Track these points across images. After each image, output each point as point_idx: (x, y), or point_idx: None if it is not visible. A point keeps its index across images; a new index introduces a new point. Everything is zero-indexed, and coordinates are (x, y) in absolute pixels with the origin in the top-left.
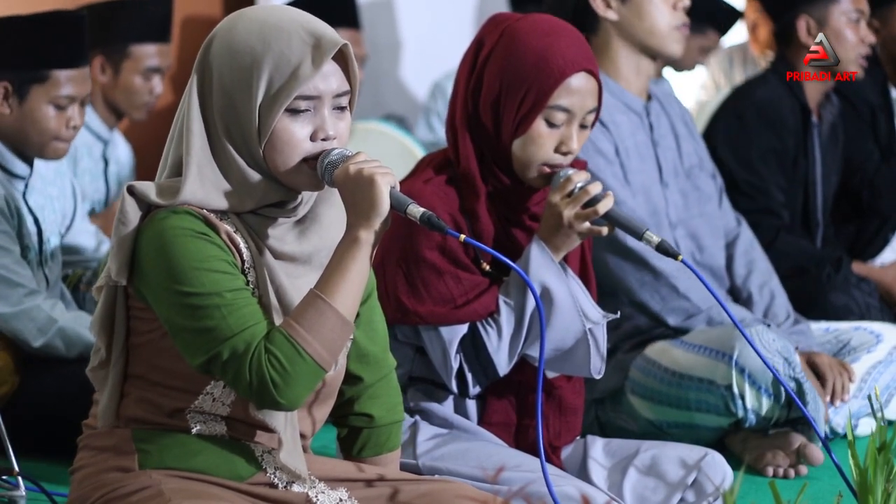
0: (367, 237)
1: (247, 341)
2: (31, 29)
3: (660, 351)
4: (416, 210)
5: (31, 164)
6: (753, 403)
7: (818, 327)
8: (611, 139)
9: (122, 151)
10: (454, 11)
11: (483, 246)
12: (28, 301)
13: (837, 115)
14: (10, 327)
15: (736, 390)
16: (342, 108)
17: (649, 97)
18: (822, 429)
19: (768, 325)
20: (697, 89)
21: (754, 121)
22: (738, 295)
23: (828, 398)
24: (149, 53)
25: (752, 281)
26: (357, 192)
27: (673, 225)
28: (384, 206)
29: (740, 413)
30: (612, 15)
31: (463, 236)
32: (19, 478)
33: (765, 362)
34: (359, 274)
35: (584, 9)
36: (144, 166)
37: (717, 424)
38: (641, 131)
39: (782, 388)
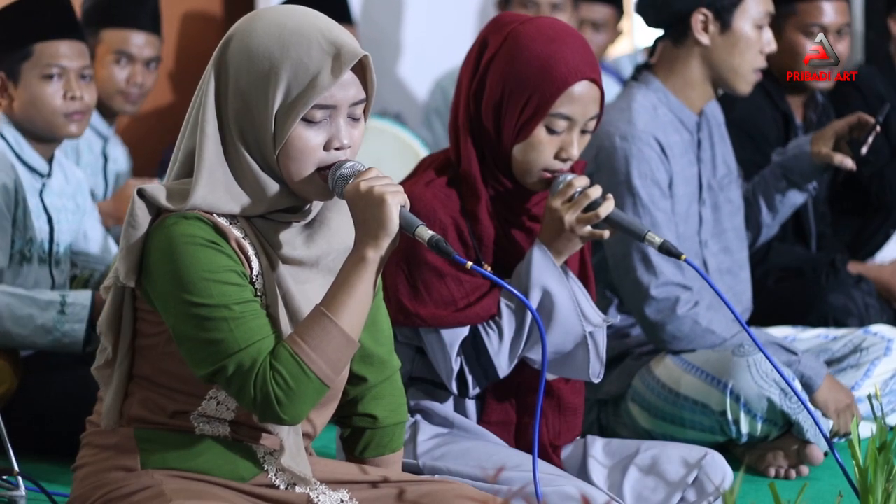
0: (375, 257)
1: (253, 357)
2: (10, 14)
3: (662, 365)
4: (424, 233)
5: (50, 163)
6: (748, 428)
7: (818, 334)
8: (668, 169)
9: (119, 153)
10: (455, 9)
11: (488, 273)
12: None
13: (823, 112)
14: None
15: (730, 416)
16: (357, 117)
17: (700, 111)
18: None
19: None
20: None
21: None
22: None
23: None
24: (120, 38)
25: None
26: (367, 210)
27: (704, 243)
28: (393, 227)
29: (734, 435)
30: (704, 39)
31: (469, 263)
32: (19, 478)
33: (773, 364)
34: (365, 293)
35: (681, 22)
36: (136, 168)
37: (712, 441)
38: (690, 150)
39: (778, 414)
